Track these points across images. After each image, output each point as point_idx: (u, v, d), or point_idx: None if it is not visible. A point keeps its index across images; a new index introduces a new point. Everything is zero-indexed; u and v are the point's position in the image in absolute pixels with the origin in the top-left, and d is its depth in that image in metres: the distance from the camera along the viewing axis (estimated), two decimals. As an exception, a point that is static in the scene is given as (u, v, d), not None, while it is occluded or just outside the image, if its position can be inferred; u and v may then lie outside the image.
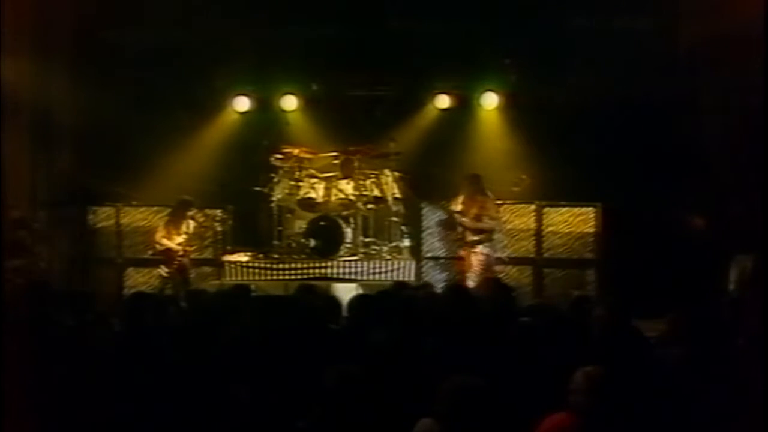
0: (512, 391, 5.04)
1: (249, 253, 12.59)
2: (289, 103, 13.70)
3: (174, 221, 12.03)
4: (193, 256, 12.25)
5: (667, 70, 12.56)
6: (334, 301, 7.56)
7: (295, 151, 12.63)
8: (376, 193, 12.57)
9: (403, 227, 12.74)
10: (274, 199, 12.55)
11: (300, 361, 5.53)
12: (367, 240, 12.60)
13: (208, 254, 12.77)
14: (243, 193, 12.72)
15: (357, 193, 12.50)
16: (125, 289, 12.53)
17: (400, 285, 9.55)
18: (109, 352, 5.74)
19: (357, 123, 13.43)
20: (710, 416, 4.89)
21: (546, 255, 12.76)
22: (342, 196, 12.54)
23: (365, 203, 12.53)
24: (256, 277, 12.04)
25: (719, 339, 6.01)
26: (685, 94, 12.36)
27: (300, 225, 12.58)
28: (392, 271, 12.06)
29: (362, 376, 4.62)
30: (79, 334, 6.21)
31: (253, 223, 13.03)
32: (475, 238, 11.56)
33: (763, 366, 5.23)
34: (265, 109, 13.84)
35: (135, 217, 13.03)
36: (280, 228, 12.59)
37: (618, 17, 12.64)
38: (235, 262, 12.37)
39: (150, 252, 12.21)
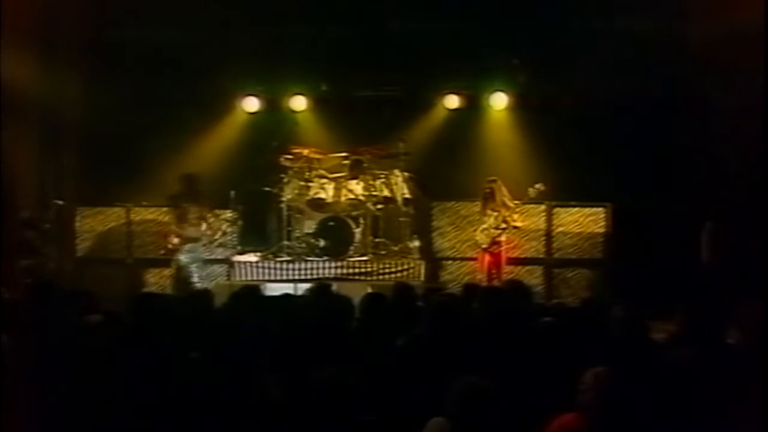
0: (525, 392, 5.03)
1: (258, 254, 12.59)
2: (299, 103, 13.71)
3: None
4: (203, 256, 12.24)
5: (676, 69, 12.51)
6: (346, 302, 7.48)
7: (305, 152, 12.64)
8: (386, 193, 12.58)
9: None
10: (283, 199, 12.56)
11: (304, 362, 5.50)
12: (376, 240, 12.60)
13: (217, 254, 12.76)
14: (252, 194, 12.71)
15: (366, 193, 12.51)
16: (135, 289, 12.53)
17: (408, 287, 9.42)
18: (117, 353, 5.73)
19: (366, 123, 13.41)
20: (717, 416, 4.86)
21: (556, 255, 12.74)
22: (351, 196, 12.54)
23: (375, 203, 12.54)
24: (266, 277, 12.04)
25: (727, 339, 5.97)
26: (695, 93, 12.31)
27: (309, 225, 12.59)
28: (402, 271, 12.06)
29: (356, 378, 4.59)
30: (87, 334, 6.19)
31: (262, 223, 13.03)
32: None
33: (764, 366, 5.19)
34: (275, 109, 13.85)
35: (145, 217, 13.05)
36: (289, 228, 12.59)
37: (626, 17, 12.58)
38: (244, 262, 12.38)
39: (161, 252, 12.21)
